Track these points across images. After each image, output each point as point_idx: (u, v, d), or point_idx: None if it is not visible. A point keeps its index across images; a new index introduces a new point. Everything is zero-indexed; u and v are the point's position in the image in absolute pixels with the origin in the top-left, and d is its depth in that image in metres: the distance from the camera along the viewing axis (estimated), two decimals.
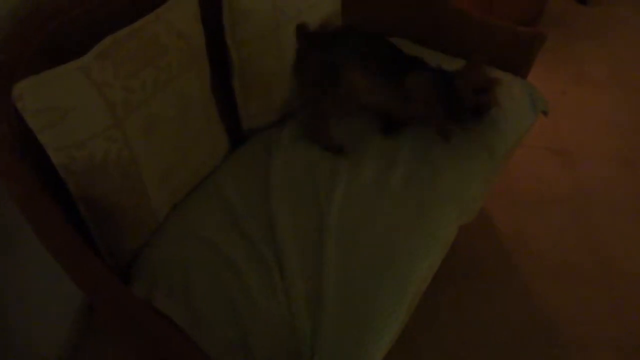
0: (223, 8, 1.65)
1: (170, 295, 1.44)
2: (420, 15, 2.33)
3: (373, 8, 2.34)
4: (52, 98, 1.22)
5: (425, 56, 2.01)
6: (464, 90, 1.82)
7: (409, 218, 1.62)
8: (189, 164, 1.65)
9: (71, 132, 1.26)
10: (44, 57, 1.32)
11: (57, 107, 1.23)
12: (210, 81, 1.69)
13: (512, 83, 2.14)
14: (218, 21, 1.67)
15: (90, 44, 1.31)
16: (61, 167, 1.28)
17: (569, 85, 3.49)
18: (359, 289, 1.43)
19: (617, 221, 2.60)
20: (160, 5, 1.47)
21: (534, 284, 2.32)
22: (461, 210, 1.73)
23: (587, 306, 2.24)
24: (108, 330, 1.90)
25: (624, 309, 2.24)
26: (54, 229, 1.24)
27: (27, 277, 1.74)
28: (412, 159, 1.81)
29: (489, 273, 2.36)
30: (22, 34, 1.32)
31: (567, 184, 2.78)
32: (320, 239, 1.54)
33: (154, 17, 1.44)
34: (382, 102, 1.91)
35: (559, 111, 3.21)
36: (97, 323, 2.03)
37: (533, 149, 2.94)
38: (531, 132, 2.16)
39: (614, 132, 3.13)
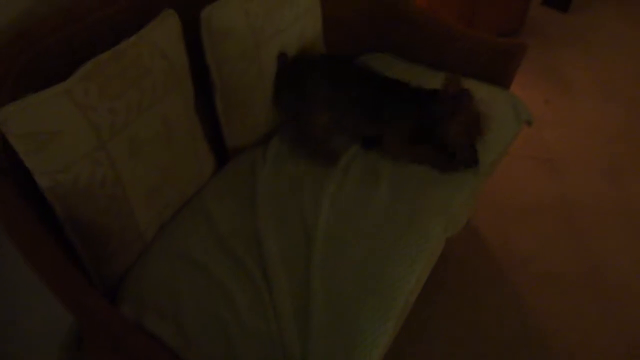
0: (201, 29, 1.66)
1: (159, 316, 1.44)
2: (401, 29, 2.34)
3: (354, 23, 2.35)
4: (37, 122, 1.22)
5: (406, 72, 2.04)
6: (456, 141, 1.85)
7: (395, 231, 1.62)
8: (174, 184, 1.65)
9: (57, 155, 1.26)
10: (27, 81, 1.32)
11: (42, 131, 1.23)
12: (194, 101, 1.70)
13: (495, 94, 2.15)
14: (199, 40, 1.68)
15: (73, 66, 1.31)
16: (47, 190, 1.28)
17: (552, 94, 3.52)
18: (347, 304, 1.44)
19: (603, 228, 2.62)
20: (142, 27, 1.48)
21: (522, 293, 2.32)
22: (447, 222, 1.73)
23: (576, 314, 2.25)
24: (97, 355, 1.89)
25: (612, 316, 2.25)
26: (41, 251, 1.24)
27: (15, 302, 1.73)
28: (396, 173, 1.82)
29: (477, 283, 2.36)
30: (4, 57, 1.32)
31: (553, 192, 2.80)
32: (306, 255, 1.55)
33: (137, 39, 1.44)
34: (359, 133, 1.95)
35: (542, 120, 3.24)
36: (86, 349, 2.02)
37: (518, 158, 2.96)
38: (516, 141, 2.17)
39: (599, 140, 3.16)
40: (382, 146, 1.87)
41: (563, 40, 4.10)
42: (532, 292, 2.34)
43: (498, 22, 3.79)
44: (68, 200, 1.32)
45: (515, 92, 2.24)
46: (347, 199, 1.72)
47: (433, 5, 3.48)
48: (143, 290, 1.51)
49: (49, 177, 1.27)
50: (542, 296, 2.32)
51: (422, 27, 2.30)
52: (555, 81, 3.65)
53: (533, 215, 2.67)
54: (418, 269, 1.57)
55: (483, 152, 1.91)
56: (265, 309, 1.43)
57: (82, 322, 1.44)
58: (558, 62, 3.85)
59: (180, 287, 1.50)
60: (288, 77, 1.93)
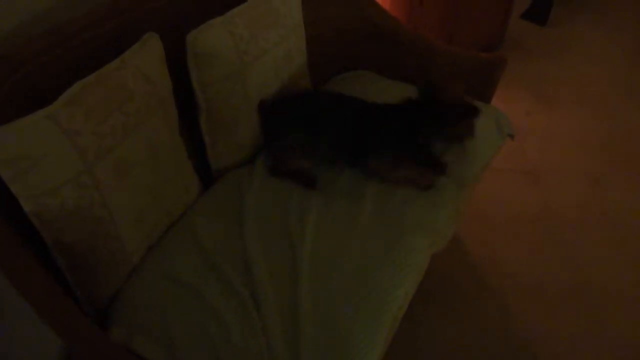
0: (187, 51, 1.66)
1: (149, 338, 1.44)
2: (383, 47, 2.36)
3: (336, 42, 2.37)
4: (22, 147, 1.22)
5: (388, 89, 2.07)
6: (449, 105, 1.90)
7: (380, 249, 1.63)
8: (161, 206, 1.65)
9: (42, 180, 1.26)
10: (11, 105, 1.33)
11: (27, 156, 1.23)
12: (179, 123, 1.70)
13: None
14: (184, 63, 1.69)
15: (58, 88, 1.32)
16: (33, 215, 1.28)
17: (533, 106, 3.55)
18: (335, 322, 1.44)
19: (588, 238, 2.64)
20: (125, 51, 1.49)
21: (509, 305, 2.34)
22: (432, 238, 1.74)
23: (561, 325, 2.27)
24: None
25: (597, 326, 2.27)
26: (29, 277, 1.24)
27: (5, 325, 1.72)
28: (380, 191, 1.83)
29: (464, 297, 2.37)
30: None
31: (537, 204, 2.82)
32: (294, 274, 1.55)
33: (120, 63, 1.45)
34: None
35: (524, 132, 3.27)
36: None
37: (501, 171, 2.98)
38: (498, 155, 2.19)
39: (580, 151, 3.19)
40: (366, 169, 1.89)
41: (543, 53, 4.14)
42: (518, 303, 2.35)
43: (478, 37, 3.81)
44: (55, 224, 1.32)
45: (497, 105, 2.26)
46: (332, 217, 1.73)
47: (414, 22, 3.50)
48: (132, 312, 1.51)
49: (35, 202, 1.26)
50: (528, 307, 2.34)
51: (404, 45, 2.32)
52: (536, 94, 3.68)
53: (517, 228, 2.69)
54: (405, 284, 1.58)
55: (466, 165, 1.93)
56: (254, 328, 1.43)
57: (71, 347, 1.44)
58: (538, 75, 3.88)
59: (169, 308, 1.49)
60: (268, 124, 1.98)
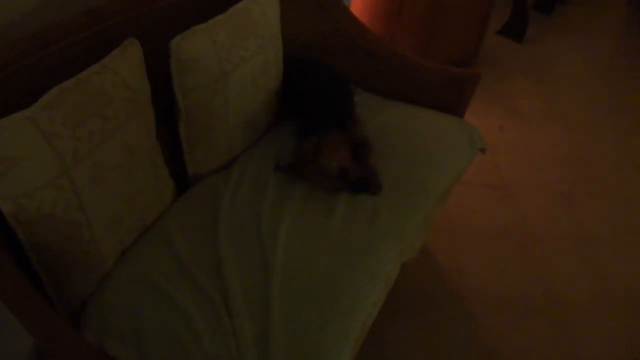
0: (171, 57, 1.68)
1: (121, 342, 1.45)
2: (358, 60, 2.39)
3: (313, 54, 2.39)
4: (0, 148, 1.23)
5: (363, 102, 2.19)
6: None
7: (350, 258, 1.65)
8: (136, 211, 1.66)
9: (20, 181, 1.27)
10: None
11: (5, 157, 1.23)
12: (155, 128, 1.72)
13: (449, 122, 2.21)
14: (164, 68, 1.71)
15: (37, 92, 1.33)
16: (10, 216, 1.29)
17: (506, 121, 3.60)
18: (305, 328, 1.46)
19: (555, 253, 2.69)
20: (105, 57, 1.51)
21: (477, 317, 2.37)
22: (401, 248, 1.76)
23: (532, 336, 2.31)
24: None
25: (566, 338, 2.31)
26: (3, 276, 1.25)
27: None
28: (351, 201, 1.85)
29: (433, 308, 2.40)
30: None
31: (506, 218, 2.86)
32: (265, 282, 1.57)
33: (100, 67, 1.47)
34: None
35: (496, 147, 3.32)
36: None
37: (472, 185, 3.02)
38: (470, 168, 2.22)
39: (551, 166, 3.24)
40: None
41: (517, 70, 4.20)
42: (487, 316, 2.38)
43: (453, 52, 3.86)
44: (31, 226, 1.33)
45: (470, 120, 2.29)
46: (304, 228, 1.75)
47: (390, 33, 3.54)
48: (105, 316, 1.52)
49: (13, 203, 1.27)
50: (497, 320, 2.37)
51: (379, 59, 2.34)
52: (509, 109, 3.74)
53: (487, 241, 2.73)
54: (374, 293, 1.60)
55: (436, 177, 1.96)
56: (225, 335, 1.44)
57: (44, 346, 1.45)
58: (512, 91, 3.94)
59: (142, 313, 1.50)
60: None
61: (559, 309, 2.43)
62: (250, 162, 2.00)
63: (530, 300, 2.46)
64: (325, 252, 1.67)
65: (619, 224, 2.90)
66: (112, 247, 1.60)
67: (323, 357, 1.42)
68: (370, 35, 2.36)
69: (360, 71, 2.42)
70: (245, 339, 1.43)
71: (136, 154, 1.59)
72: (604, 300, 2.49)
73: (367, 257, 1.66)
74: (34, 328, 1.24)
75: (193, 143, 1.88)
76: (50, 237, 1.38)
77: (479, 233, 2.77)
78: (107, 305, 1.54)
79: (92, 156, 1.41)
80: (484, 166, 3.16)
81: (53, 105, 1.33)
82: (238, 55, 1.84)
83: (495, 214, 2.89)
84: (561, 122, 3.65)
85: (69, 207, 1.38)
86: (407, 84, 2.33)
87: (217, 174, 1.98)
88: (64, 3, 1.69)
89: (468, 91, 2.24)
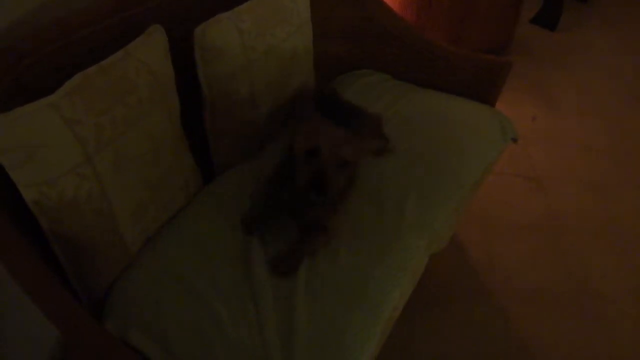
0: (195, 46, 1.66)
1: (144, 332, 1.44)
2: (389, 48, 2.36)
3: (343, 42, 2.37)
4: (23, 135, 1.22)
5: (393, 89, 2.09)
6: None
7: (378, 248, 1.63)
8: (160, 200, 1.65)
9: (42, 169, 1.26)
10: (14, 95, 1.33)
11: (28, 144, 1.23)
12: (181, 117, 1.70)
13: (481, 111, 2.17)
14: (190, 57, 1.69)
15: (61, 81, 1.32)
16: (32, 204, 1.28)
17: (539, 111, 3.55)
18: (328, 319, 1.44)
19: (589, 246, 2.64)
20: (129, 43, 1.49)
21: (508, 310, 2.33)
22: (430, 239, 1.74)
23: (560, 330, 2.26)
24: None
25: (597, 332, 2.26)
26: (25, 266, 1.24)
27: (3, 313, 1.72)
28: (380, 189, 1.82)
29: (462, 300, 2.37)
30: None
31: (538, 209, 2.82)
32: None
33: (123, 54, 1.45)
34: None
35: (529, 137, 3.26)
36: None
37: (504, 175, 2.98)
38: (502, 158, 2.19)
39: (584, 157, 3.18)
40: None
41: (551, 59, 4.13)
42: (517, 308, 2.35)
43: (485, 41, 3.81)
44: (53, 214, 1.32)
45: (502, 109, 2.25)
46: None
47: (422, 23, 3.51)
48: (128, 305, 1.51)
49: (35, 191, 1.27)
50: (527, 312, 2.33)
51: (410, 46, 2.31)
52: (542, 99, 3.68)
53: (519, 232, 2.69)
54: (401, 284, 1.58)
55: (467, 167, 1.92)
56: (249, 323, 1.43)
57: (67, 336, 1.44)
58: (545, 80, 3.88)
59: (165, 301, 1.50)
60: None
61: (591, 303, 2.38)
62: (277, 152, 1.98)
63: (562, 293, 2.42)
64: (351, 242, 1.64)
65: None
66: (135, 236, 1.59)
67: (347, 348, 1.40)
68: (401, 23, 2.33)
69: (392, 59, 2.39)
70: (269, 329, 1.42)
71: (160, 141, 1.57)
72: (637, 295, 2.43)
73: (393, 248, 1.63)
74: (57, 318, 1.23)
75: (218, 132, 1.87)
76: (73, 225, 1.37)
77: (510, 224, 2.73)
78: (130, 295, 1.53)
79: (115, 143, 1.40)
80: (516, 156, 3.11)
81: (76, 92, 1.32)
82: (265, 43, 1.82)
83: (527, 205, 2.85)
84: (595, 112, 3.58)
85: (91, 195, 1.37)
86: (439, 72, 2.30)
87: (244, 164, 1.96)
88: None
89: (500, 79, 2.20)
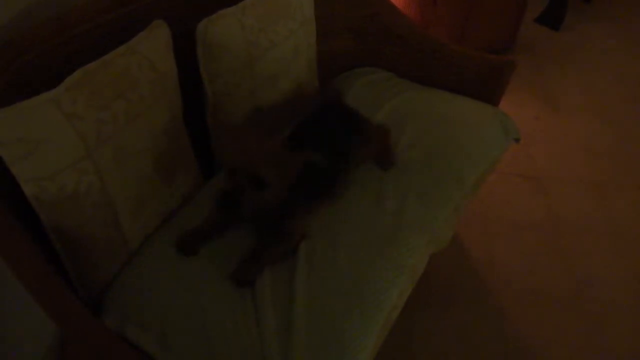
0: (197, 42, 1.66)
1: (142, 328, 1.44)
2: (393, 46, 2.36)
3: (346, 38, 2.37)
4: (23, 130, 1.22)
5: (395, 87, 2.07)
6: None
7: (377, 247, 1.62)
8: (161, 196, 1.65)
9: (43, 163, 1.26)
10: (14, 90, 1.33)
11: (28, 138, 1.23)
12: (182, 113, 1.70)
13: (483, 111, 2.17)
14: (191, 53, 1.69)
15: (62, 76, 1.32)
16: (32, 198, 1.28)
17: (542, 111, 3.54)
18: (327, 318, 1.44)
19: (589, 246, 2.63)
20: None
21: (507, 310, 2.33)
22: (431, 238, 1.73)
23: (561, 331, 2.26)
24: None
25: (597, 333, 2.26)
26: (24, 260, 1.24)
27: (1, 305, 1.72)
28: (381, 187, 1.82)
29: (462, 300, 2.37)
30: None
31: (539, 210, 2.81)
32: (291, 267, 1.56)
33: (125, 49, 1.45)
34: None
35: (531, 137, 3.26)
36: (68, 355, 2.01)
37: (505, 175, 2.97)
38: (503, 158, 2.18)
39: (586, 158, 3.17)
40: None
41: (554, 58, 4.12)
42: (517, 309, 2.34)
43: (490, 39, 3.81)
44: (54, 208, 1.32)
45: (505, 109, 2.24)
46: (331, 216, 1.72)
47: (426, 21, 3.50)
48: (127, 301, 1.51)
49: (35, 185, 1.27)
50: (527, 313, 2.33)
51: (413, 44, 2.31)
52: (544, 99, 3.67)
53: (520, 232, 2.68)
54: (400, 283, 1.57)
55: (468, 166, 1.92)
56: (248, 321, 1.44)
57: (65, 331, 1.45)
58: (548, 80, 3.87)
59: (164, 298, 1.49)
60: None
61: (590, 304, 2.38)
62: None
63: (561, 294, 2.41)
64: (350, 241, 1.64)
65: None
66: (135, 232, 1.59)
67: (346, 347, 1.40)
68: (405, 21, 2.33)
69: (395, 57, 2.39)
70: (268, 328, 1.42)
71: (162, 138, 1.57)
72: (637, 297, 2.43)
73: (393, 247, 1.63)
74: (55, 313, 1.23)
75: (220, 129, 1.86)
76: (73, 219, 1.37)
77: (511, 224, 2.72)
78: (130, 291, 1.53)
79: (116, 139, 1.40)
80: (517, 156, 3.10)
81: (77, 87, 1.31)
82: (267, 39, 1.81)
83: (528, 205, 2.84)
84: (598, 114, 3.57)
85: (91, 190, 1.37)
86: (442, 71, 2.29)
87: None
88: None
89: (504, 79, 2.19)
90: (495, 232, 2.68)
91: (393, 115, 2.10)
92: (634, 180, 3.04)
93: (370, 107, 2.11)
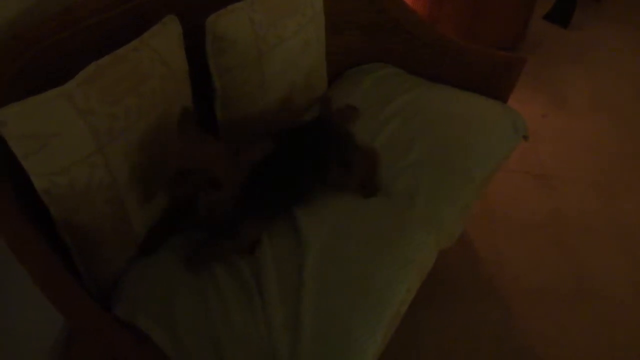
0: (206, 36, 1.66)
1: (152, 321, 1.44)
2: (402, 43, 2.35)
3: (355, 33, 2.36)
4: (35, 125, 1.23)
5: (404, 83, 2.08)
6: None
7: (383, 244, 1.63)
8: None
9: (54, 158, 1.27)
10: (24, 83, 1.33)
11: (40, 133, 1.23)
12: (193, 108, 1.70)
13: (493, 107, 2.16)
14: (200, 47, 1.69)
15: (71, 69, 1.32)
16: (43, 193, 1.29)
17: (550, 109, 3.52)
18: (335, 313, 1.45)
19: (596, 245, 2.63)
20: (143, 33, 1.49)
21: (513, 308, 2.33)
22: (439, 235, 1.74)
23: (567, 330, 2.26)
24: (87, 356, 1.88)
25: (604, 333, 2.26)
26: (33, 253, 1.25)
27: (8, 300, 1.73)
28: (390, 183, 1.83)
29: (468, 297, 2.37)
30: (3, 60, 1.33)
31: (546, 208, 2.80)
32: (300, 262, 1.56)
33: (137, 44, 1.45)
34: None
35: (539, 135, 3.24)
36: (75, 355, 2.01)
37: (513, 173, 2.96)
38: (511, 156, 2.17)
39: (594, 157, 3.16)
40: None
41: (563, 56, 4.10)
42: (523, 307, 2.34)
43: (498, 35, 3.79)
44: (64, 202, 1.32)
45: (513, 106, 2.24)
46: (340, 212, 1.73)
47: (434, 17, 3.49)
48: (136, 294, 1.52)
49: (46, 179, 1.27)
50: (533, 311, 2.33)
51: (422, 40, 2.30)
52: (553, 97, 3.66)
53: (526, 231, 2.68)
54: (408, 279, 1.58)
55: (478, 163, 1.92)
56: (256, 316, 1.44)
57: (72, 323, 1.45)
58: (557, 78, 3.85)
59: (173, 291, 1.50)
60: None
61: (596, 302, 2.38)
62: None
63: (566, 291, 2.41)
64: (358, 238, 1.64)
65: None
66: (145, 225, 1.60)
67: (353, 342, 1.41)
68: (414, 17, 2.32)
69: (403, 53, 2.38)
70: (275, 320, 1.43)
71: (172, 132, 1.56)
72: None
73: (401, 244, 1.64)
74: (63, 307, 1.23)
75: (229, 124, 1.86)
76: (83, 214, 1.38)
77: (518, 222, 2.72)
78: (138, 284, 1.54)
79: (128, 134, 1.41)
80: (525, 154, 3.09)
81: (89, 81, 1.32)
82: (276, 34, 1.81)
83: (536, 203, 2.83)
84: (606, 112, 3.55)
85: (102, 184, 1.38)
86: (451, 67, 2.29)
87: None
88: None
89: (513, 76, 2.18)
90: (502, 230, 2.67)
91: (402, 111, 2.10)
92: None
93: (378, 104, 2.12)
